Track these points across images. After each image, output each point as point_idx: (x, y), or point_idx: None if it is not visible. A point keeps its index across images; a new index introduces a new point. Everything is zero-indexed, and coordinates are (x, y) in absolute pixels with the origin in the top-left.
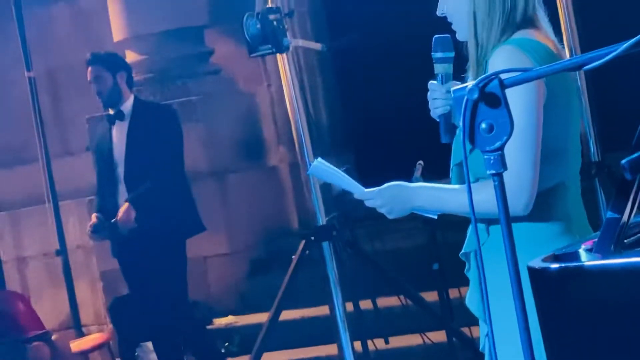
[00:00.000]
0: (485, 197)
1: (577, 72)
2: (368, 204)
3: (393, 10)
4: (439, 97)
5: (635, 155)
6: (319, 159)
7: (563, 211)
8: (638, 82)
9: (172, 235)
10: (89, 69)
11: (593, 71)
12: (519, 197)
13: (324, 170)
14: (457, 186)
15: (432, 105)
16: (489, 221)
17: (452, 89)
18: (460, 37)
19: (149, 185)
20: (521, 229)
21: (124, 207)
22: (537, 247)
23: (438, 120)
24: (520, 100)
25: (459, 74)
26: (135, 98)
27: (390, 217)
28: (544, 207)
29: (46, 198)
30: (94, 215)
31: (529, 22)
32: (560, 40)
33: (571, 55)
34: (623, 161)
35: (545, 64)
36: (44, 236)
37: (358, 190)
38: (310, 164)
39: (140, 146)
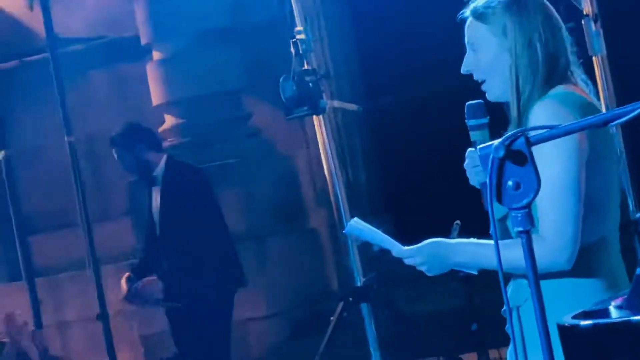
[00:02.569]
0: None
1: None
2: (407, 262)
3: (430, 70)
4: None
5: None
6: (355, 218)
7: (606, 266)
8: None
9: (218, 292)
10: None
11: (630, 127)
12: (562, 252)
13: (360, 229)
14: (501, 241)
15: (474, 172)
16: None
17: (478, 147)
18: (492, 96)
19: (177, 259)
20: (565, 285)
21: (149, 279)
22: (582, 303)
23: (479, 187)
24: (562, 155)
25: (498, 129)
26: (168, 159)
27: (429, 274)
28: (586, 262)
29: (87, 263)
30: (125, 277)
31: (566, 78)
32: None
33: None
34: (638, 216)
35: (585, 114)
36: (84, 301)
37: (396, 248)
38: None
39: (172, 207)
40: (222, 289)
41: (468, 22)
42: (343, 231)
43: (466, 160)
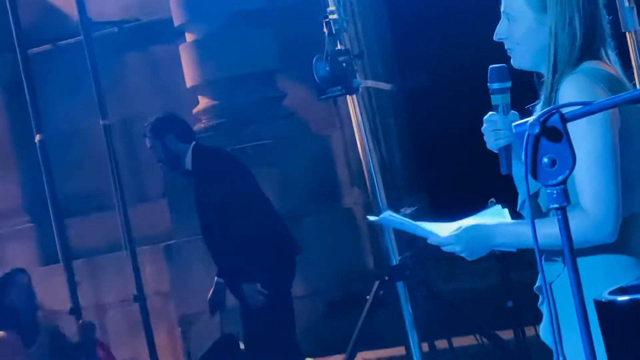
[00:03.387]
0: None
1: None
2: (446, 249)
3: (463, 49)
4: (502, 127)
5: None
6: (388, 211)
7: (637, 242)
8: None
9: (279, 268)
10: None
11: None
12: (606, 224)
13: (393, 221)
14: (537, 220)
15: (495, 136)
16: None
17: (514, 124)
18: (518, 64)
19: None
20: (597, 262)
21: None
22: (614, 278)
23: (497, 152)
24: (597, 128)
25: (521, 104)
26: (194, 147)
27: (470, 259)
28: (619, 238)
29: (123, 245)
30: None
31: (598, 52)
32: (631, 76)
33: None
34: None
35: (615, 92)
36: (121, 283)
37: (433, 236)
38: (382, 207)
39: (207, 195)
40: (282, 262)
41: None
42: (370, 218)
43: (484, 125)
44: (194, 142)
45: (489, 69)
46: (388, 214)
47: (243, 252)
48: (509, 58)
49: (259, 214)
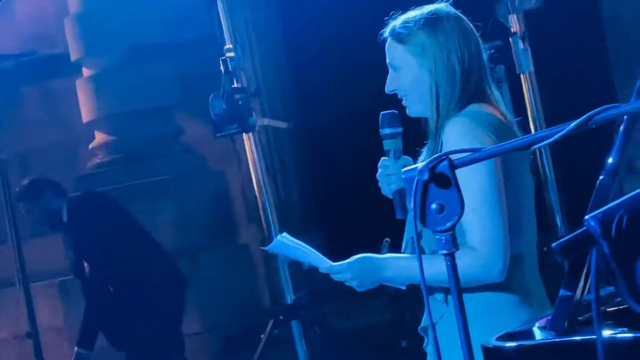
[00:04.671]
0: (458, 266)
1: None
2: (336, 277)
3: (360, 87)
4: (394, 172)
5: (565, 239)
6: (284, 234)
7: (521, 282)
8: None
9: (166, 301)
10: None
11: (558, 147)
12: (495, 263)
13: (287, 245)
14: (425, 256)
15: (387, 181)
16: (447, 291)
17: (403, 170)
18: (412, 112)
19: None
20: (482, 299)
21: None
22: (497, 317)
23: (391, 197)
24: (482, 168)
25: (411, 148)
26: (69, 201)
27: (360, 290)
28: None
29: (17, 280)
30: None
31: (482, 95)
32: (524, 116)
33: (536, 131)
34: (554, 245)
35: (497, 133)
36: (14, 318)
37: (325, 264)
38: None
39: (84, 244)
40: (170, 297)
41: (387, 43)
42: (264, 248)
43: (379, 170)
44: (68, 196)
45: (380, 115)
46: (282, 237)
47: (129, 296)
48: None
49: (139, 251)
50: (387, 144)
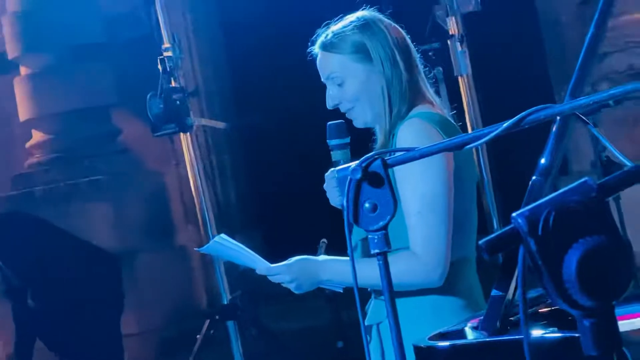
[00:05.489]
0: (397, 270)
1: (480, 150)
2: (274, 279)
3: (298, 88)
4: None
5: (492, 236)
6: (222, 235)
7: (466, 285)
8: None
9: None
10: None
11: (494, 148)
12: (435, 268)
13: (224, 246)
14: (364, 259)
15: (337, 192)
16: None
17: (336, 169)
18: (360, 123)
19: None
20: (425, 303)
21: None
22: (442, 320)
23: (340, 208)
24: (432, 173)
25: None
26: None
27: (298, 292)
28: (447, 280)
29: None
30: None
31: (422, 96)
32: (462, 119)
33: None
34: (480, 242)
35: (448, 134)
36: None
37: (263, 265)
38: None
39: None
40: (109, 297)
41: (320, 58)
42: (198, 249)
43: (326, 182)
44: None
45: (327, 126)
46: (220, 237)
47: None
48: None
49: (71, 257)
50: (336, 155)
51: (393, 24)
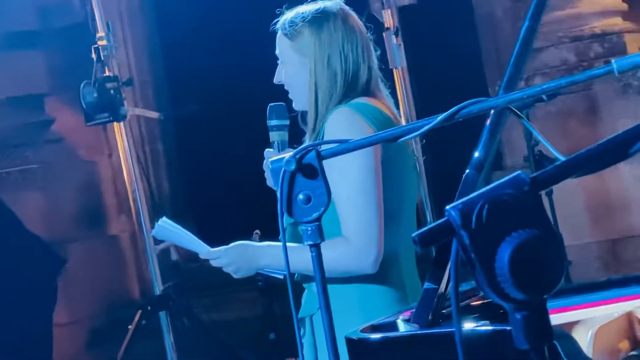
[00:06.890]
0: (330, 256)
1: (414, 143)
2: (214, 263)
3: (234, 78)
4: None
5: (425, 228)
6: (164, 218)
7: (397, 277)
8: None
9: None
10: None
11: (430, 140)
12: (368, 254)
13: (168, 230)
14: (300, 245)
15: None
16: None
17: (270, 159)
18: (297, 106)
19: None
20: (354, 292)
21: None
22: (371, 310)
23: (275, 189)
24: (359, 159)
25: (295, 141)
26: None
27: (236, 276)
28: (379, 270)
29: None
30: None
31: (369, 93)
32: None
33: None
34: (414, 234)
35: (381, 126)
36: None
37: (204, 249)
38: (146, 235)
39: None
40: (43, 286)
41: (278, 35)
42: (151, 233)
43: (265, 160)
44: None
45: (268, 107)
46: (163, 221)
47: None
48: (281, 88)
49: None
50: (273, 136)
51: (352, 21)
